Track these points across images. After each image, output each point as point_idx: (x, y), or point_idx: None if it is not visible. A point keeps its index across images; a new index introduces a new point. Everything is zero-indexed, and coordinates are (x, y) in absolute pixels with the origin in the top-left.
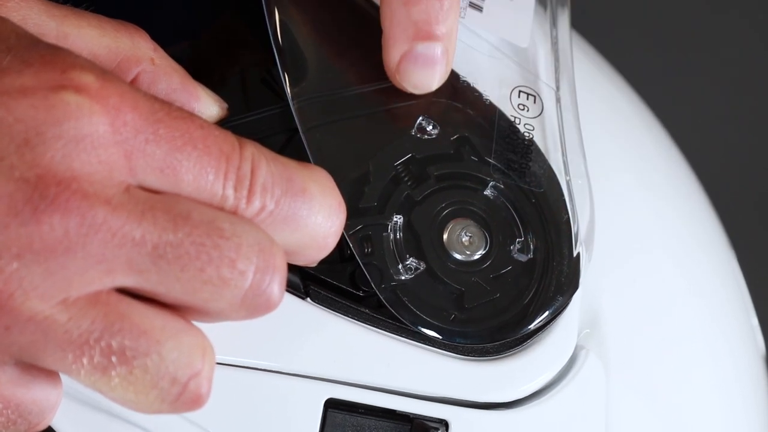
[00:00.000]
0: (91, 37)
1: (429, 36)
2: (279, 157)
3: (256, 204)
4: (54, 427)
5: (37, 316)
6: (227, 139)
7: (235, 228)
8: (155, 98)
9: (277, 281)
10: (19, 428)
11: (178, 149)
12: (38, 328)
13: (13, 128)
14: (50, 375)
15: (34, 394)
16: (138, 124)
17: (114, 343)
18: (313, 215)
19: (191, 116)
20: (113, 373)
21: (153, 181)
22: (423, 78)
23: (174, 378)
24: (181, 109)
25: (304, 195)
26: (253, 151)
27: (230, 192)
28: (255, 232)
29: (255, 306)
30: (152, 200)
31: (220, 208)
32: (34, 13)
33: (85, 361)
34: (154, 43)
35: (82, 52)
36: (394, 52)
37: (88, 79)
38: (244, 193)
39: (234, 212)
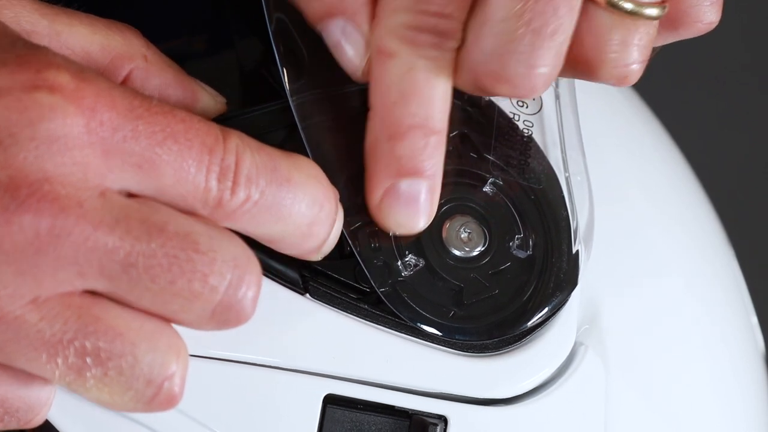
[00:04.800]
0: (83, 34)
1: (413, 173)
2: (264, 147)
3: (241, 195)
4: (52, 422)
5: (8, 315)
6: (210, 131)
7: (212, 242)
8: (135, 94)
9: (249, 297)
10: (9, 425)
11: (158, 144)
12: (9, 328)
13: None
14: None
15: (20, 391)
16: (116, 123)
17: (88, 344)
18: (297, 204)
19: (172, 110)
20: (88, 374)
21: (131, 179)
22: (406, 217)
23: (149, 380)
24: (161, 104)
25: (289, 184)
26: (237, 142)
27: (213, 183)
28: (233, 246)
29: (225, 320)
30: (128, 208)
31: (204, 201)
32: (27, 12)
33: (59, 361)
34: (147, 41)
35: (75, 49)
36: (376, 188)
37: (63, 78)
38: (228, 184)
39: (218, 203)
